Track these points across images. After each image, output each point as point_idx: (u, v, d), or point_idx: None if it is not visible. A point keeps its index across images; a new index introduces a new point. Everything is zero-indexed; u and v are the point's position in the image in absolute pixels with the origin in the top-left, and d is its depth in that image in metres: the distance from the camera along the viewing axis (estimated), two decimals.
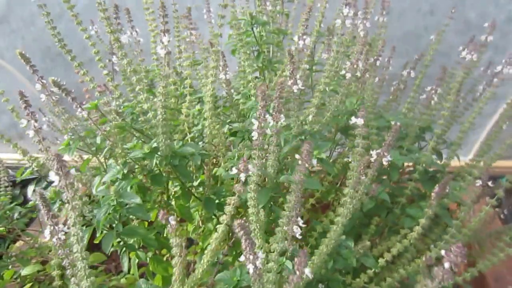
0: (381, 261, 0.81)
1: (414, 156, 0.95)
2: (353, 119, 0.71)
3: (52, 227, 0.57)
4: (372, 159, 0.73)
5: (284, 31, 1.15)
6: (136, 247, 0.84)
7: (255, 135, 0.67)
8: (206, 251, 0.68)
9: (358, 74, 0.90)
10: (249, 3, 1.17)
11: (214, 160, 1.03)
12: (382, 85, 1.12)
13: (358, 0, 0.90)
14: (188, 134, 0.89)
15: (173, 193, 0.94)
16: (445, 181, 0.86)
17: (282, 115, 0.75)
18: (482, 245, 1.12)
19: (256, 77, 1.16)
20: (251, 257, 0.57)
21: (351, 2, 0.77)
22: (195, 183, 0.89)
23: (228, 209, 0.67)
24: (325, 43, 0.92)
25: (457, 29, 1.63)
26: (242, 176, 0.65)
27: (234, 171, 0.66)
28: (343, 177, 1.07)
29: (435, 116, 0.98)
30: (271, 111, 0.76)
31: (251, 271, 0.56)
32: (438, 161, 0.98)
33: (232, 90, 1.02)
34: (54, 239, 0.57)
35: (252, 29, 1.01)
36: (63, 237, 0.57)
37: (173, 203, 0.93)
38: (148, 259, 0.88)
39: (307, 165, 0.67)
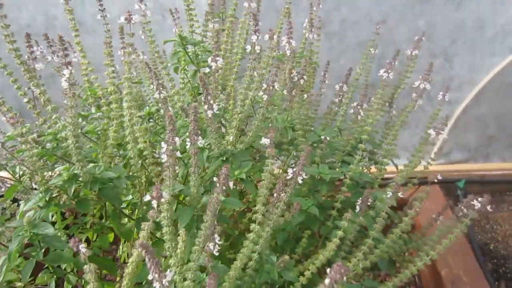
0: (307, 273, 0.83)
1: (345, 169, 0.98)
2: (263, 140, 0.73)
3: None
4: (288, 177, 0.75)
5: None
6: (69, 270, 0.84)
7: (164, 157, 0.69)
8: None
9: (285, 92, 0.92)
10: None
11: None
12: (320, 100, 1.14)
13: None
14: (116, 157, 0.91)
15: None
16: (366, 194, 0.88)
17: (199, 137, 0.77)
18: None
19: (200, 93, 1.18)
20: (156, 275, 0.59)
21: (258, 28, 0.79)
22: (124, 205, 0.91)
23: (142, 234, 0.68)
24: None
25: (408, 37, 1.67)
26: (154, 203, 0.66)
27: (147, 198, 0.67)
28: None
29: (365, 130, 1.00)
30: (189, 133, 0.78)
31: None
32: (369, 172, 1.01)
33: (170, 108, 1.04)
34: None
35: (185, 48, 1.03)
36: None
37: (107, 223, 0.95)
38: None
39: (224, 187, 0.69)
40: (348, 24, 1.69)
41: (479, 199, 0.83)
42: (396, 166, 1.14)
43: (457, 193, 1.89)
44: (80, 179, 0.76)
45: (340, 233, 0.80)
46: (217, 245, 0.72)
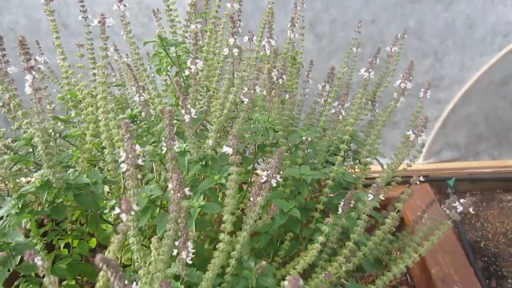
0: (288, 278, 0.82)
1: (327, 170, 0.97)
2: (224, 148, 0.70)
3: None
4: (262, 180, 0.74)
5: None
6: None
7: (123, 167, 0.65)
8: None
9: (264, 92, 0.91)
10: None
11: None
12: (304, 100, 1.14)
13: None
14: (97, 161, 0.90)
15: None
16: (349, 195, 0.87)
17: (175, 142, 0.76)
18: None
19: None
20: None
21: (237, 31, 0.77)
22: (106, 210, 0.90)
23: (112, 247, 0.66)
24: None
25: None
26: (124, 217, 0.64)
27: (117, 211, 0.63)
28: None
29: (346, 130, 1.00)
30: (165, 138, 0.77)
31: None
32: (351, 173, 1.00)
33: (152, 111, 1.03)
34: None
35: (165, 49, 1.02)
36: None
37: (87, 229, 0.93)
38: None
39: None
40: (338, 25, 1.68)
41: (461, 200, 0.83)
42: (381, 165, 1.13)
43: (447, 191, 1.89)
44: (54, 185, 0.74)
45: (321, 238, 0.79)
46: (190, 253, 0.70)
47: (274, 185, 0.73)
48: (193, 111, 0.77)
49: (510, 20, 1.57)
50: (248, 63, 0.81)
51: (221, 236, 0.72)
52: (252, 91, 0.81)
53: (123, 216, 0.64)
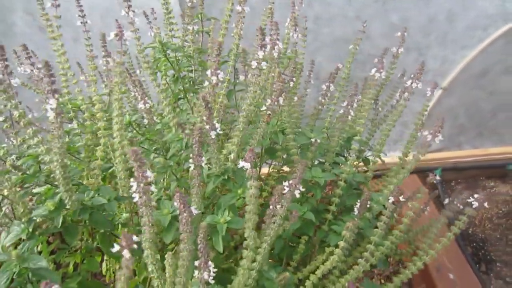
0: (308, 284, 0.81)
1: (337, 171, 0.96)
2: (240, 163, 0.68)
3: None
4: (285, 191, 0.72)
5: (203, 51, 1.13)
6: None
7: (135, 197, 0.60)
8: None
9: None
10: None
11: None
12: (305, 100, 1.13)
13: None
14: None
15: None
16: (366, 196, 0.87)
17: (203, 158, 0.72)
18: (412, 243, 1.15)
19: (180, 98, 1.14)
20: None
21: (265, 44, 0.74)
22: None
23: (119, 285, 0.62)
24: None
25: (382, 32, 1.69)
26: (126, 253, 0.58)
27: (116, 248, 0.58)
28: None
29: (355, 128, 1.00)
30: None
31: None
32: (361, 173, 1.00)
33: (155, 118, 0.99)
34: None
35: (165, 55, 0.98)
36: None
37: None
38: None
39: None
40: (322, 21, 1.68)
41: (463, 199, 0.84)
42: (383, 161, 1.14)
43: (435, 181, 1.94)
44: (67, 207, 0.70)
45: (342, 243, 0.78)
46: (211, 273, 0.67)
47: (298, 196, 0.71)
48: (218, 126, 0.74)
49: (490, 13, 1.62)
50: (268, 72, 0.79)
51: (245, 253, 0.70)
52: (275, 103, 0.78)
53: (125, 253, 0.59)
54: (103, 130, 0.78)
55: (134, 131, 1.03)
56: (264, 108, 0.75)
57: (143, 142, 1.03)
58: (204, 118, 0.71)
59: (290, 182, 0.71)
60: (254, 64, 0.74)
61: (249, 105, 0.76)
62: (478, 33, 1.67)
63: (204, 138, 0.71)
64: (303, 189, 0.71)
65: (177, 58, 1.03)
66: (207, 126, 0.71)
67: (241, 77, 1.04)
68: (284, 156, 1.03)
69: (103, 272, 1.15)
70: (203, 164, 0.68)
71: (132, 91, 0.93)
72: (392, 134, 1.73)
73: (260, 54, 0.73)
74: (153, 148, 1.02)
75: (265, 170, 1.20)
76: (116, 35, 0.66)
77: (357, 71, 1.52)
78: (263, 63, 0.74)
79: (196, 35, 1.14)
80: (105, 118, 0.78)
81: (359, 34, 1.74)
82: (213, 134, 0.72)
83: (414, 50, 1.73)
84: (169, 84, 1.10)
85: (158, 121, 0.98)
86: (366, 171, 1.04)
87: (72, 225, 0.73)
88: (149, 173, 0.59)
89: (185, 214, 0.65)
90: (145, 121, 0.92)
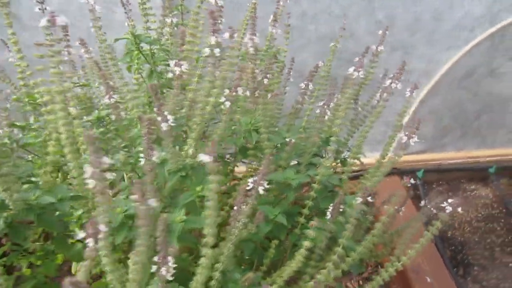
0: (274, 287, 0.79)
1: (312, 172, 0.94)
2: (201, 156, 0.63)
3: None
4: (248, 188, 0.69)
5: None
6: None
7: (91, 182, 0.57)
8: None
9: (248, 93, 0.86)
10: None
11: None
12: (283, 98, 1.10)
13: None
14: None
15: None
16: (338, 200, 0.85)
17: (154, 152, 0.69)
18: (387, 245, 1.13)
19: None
20: None
21: (218, 29, 0.71)
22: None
23: (80, 276, 0.59)
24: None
25: (369, 30, 1.66)
26: (90, 242, 0.57)
27: (81, 235, 0.57)
28: None
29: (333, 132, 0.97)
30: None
31: None
32: (336, 176, 0.97)
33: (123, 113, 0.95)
34: None
35: (139, 48, 0.94)
36: None
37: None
38: None
39: None
40: (308, 18, 1.64)
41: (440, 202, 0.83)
42: (361, 162, 1.12)
43: (416, 182, 1.94)
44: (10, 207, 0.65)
45: (307, 243, 0.76)
46: (171, 269, 0.65)
47: (262, 192, 0.68)
48: (170, 118, 0.70)
49: (476, 14, 1.61)
50: (230, 63, 0.75)
51: (204, 251, 0.67)
52: (234, 93, 0.75)
53: (90, 242, 0.57)
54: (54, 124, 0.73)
55: (105, 128, 0.99)
56: (223, 99, 0.72)
57: (115, 139, 0.99)
58: (155, 109, 0.67)
59: (255, 178, 0.68)
60: (206, 51, 0.70)
61: (205, 95, 0.73)
62: (464, 33, 1.65)
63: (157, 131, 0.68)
64: (267, 186, 0.69)
65: (152, 51, 0.99)
66: (159, 118, 0.68)
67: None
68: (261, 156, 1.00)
69: (74, 272, 1.12)
70: (154, 158, 0.65)
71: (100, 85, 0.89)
72: (376, 134, 1.71)
73: (213, 39, 0.69)
74: (123, 145, 0.98)
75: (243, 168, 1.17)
76: (49, 21, 0.60)
77: (342, 69, 1.49)
78: (217, 50, 0.70)
79: (175, 28, 1.10)
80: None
81: (343, 32, 1.72)
82: (164, 126, 0.69)
83: (400, 49, 1.70)
84: (144, 78, 1.06)
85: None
86: (343, 173, 1.02)
87: (19, 226, 0.69)
88: (106, 158, 0.56)
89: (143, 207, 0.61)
90: (113, 117, 0.88)
